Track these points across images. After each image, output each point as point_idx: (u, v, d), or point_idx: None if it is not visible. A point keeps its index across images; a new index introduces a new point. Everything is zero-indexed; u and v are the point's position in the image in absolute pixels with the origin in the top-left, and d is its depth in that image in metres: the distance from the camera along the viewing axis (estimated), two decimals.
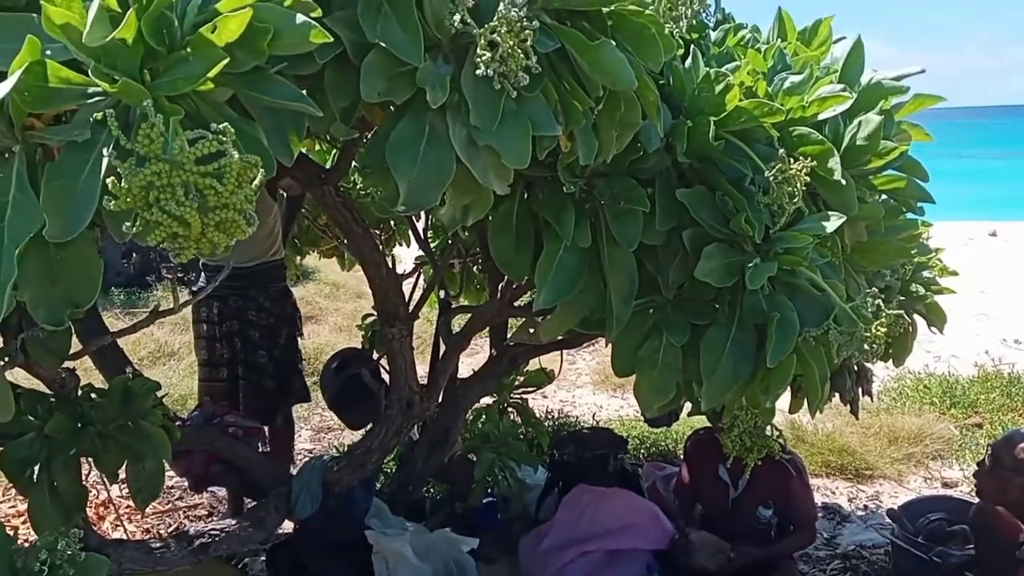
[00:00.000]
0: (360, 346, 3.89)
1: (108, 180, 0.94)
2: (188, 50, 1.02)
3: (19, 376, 1.97)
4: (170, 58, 1.02)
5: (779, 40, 2.32)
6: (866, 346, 1.83)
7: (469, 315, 3.63)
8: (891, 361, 2.97)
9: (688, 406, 2.39)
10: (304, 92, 1.20)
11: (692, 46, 1.93)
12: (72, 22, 0.94)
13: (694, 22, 1.63)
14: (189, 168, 0.93)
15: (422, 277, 3.96)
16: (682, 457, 3.50)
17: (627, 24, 1.51)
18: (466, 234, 3.53)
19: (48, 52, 0.98)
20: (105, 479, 2.02)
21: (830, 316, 1.89)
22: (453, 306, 3.77)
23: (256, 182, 0.97)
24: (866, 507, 4.40)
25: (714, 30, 2.23)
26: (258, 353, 3.68)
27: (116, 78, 0.94)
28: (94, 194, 0.98)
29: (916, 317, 3.03)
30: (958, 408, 5.53)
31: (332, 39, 1.08)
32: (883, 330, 1.86)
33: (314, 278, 8.79)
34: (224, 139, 0.95)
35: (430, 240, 3.79)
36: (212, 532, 2.46)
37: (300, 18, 1.07)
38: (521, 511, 3.70)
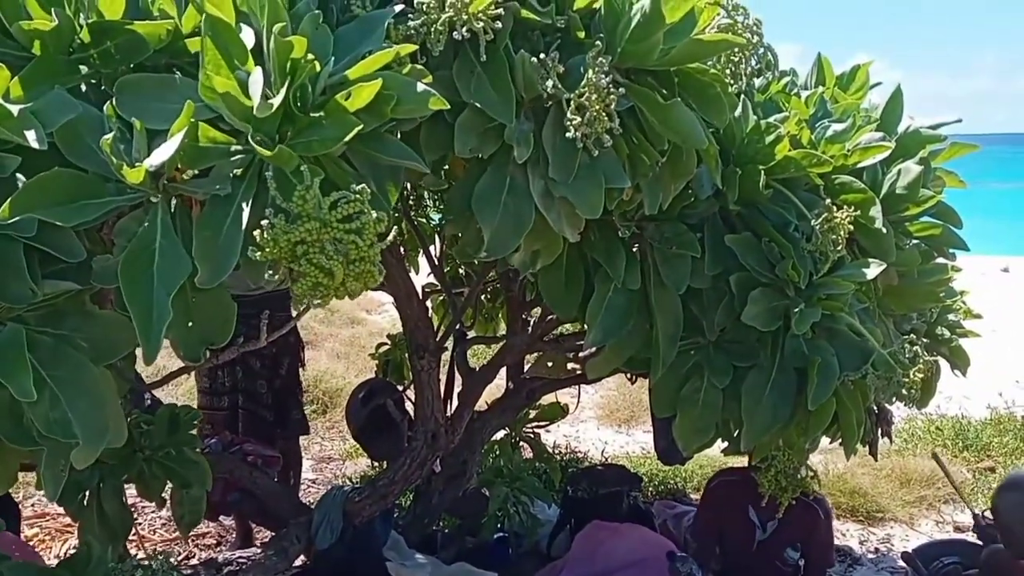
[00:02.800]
0: (375, 374, 4.02)
1: (255, 232, 1.09)
2: (321, 114, 1.18)
3: None
4: (303, 121, 1.18)
5: (818, 86, 2.50)
6: (904, 391, 2.00)
7: (482, 345, 3.76)
8: (914, 404, 3.13)
9: None
10: None
11: (741, 96, 2.11)
12: (232, 91, 1.09)
13: (754, 80, 1.80)
14: (335, 226, 1.08)
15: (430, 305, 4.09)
16: (703, 496, 3.61)
17: (693, 82, 1.68)
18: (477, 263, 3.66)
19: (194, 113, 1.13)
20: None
21: (868, 361, 2.05)
22: (468, 337, 3.90)
23: (390, 238, 1.13)
24: (877, 550, 4.55)
25: (757, 77, 2.40)
26: (258, 383, 3.78)
27: (270, 143, 1.10)
28: (236, 244, 1.13)
29: (939, 360, 3.20)
30: (970, 451, 5.69)
31: (448, 106, 1.24)
32: (920, 376, 2.03)
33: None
34: (361, 198, 1.11)
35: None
36: (240, 560, 2.59)
37: (420, 86, 1.24)
38: (533, 547, 3.83)
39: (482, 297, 4.24)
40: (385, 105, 1.21)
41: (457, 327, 3.81)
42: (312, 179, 1.08)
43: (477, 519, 3.59)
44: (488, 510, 3.50)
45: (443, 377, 3.77)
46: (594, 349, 2.17)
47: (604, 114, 1.43)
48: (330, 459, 5.26)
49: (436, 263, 3.67)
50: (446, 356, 3.71)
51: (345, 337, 8.05)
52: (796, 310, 1.98)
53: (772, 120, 2.08)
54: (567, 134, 1.44)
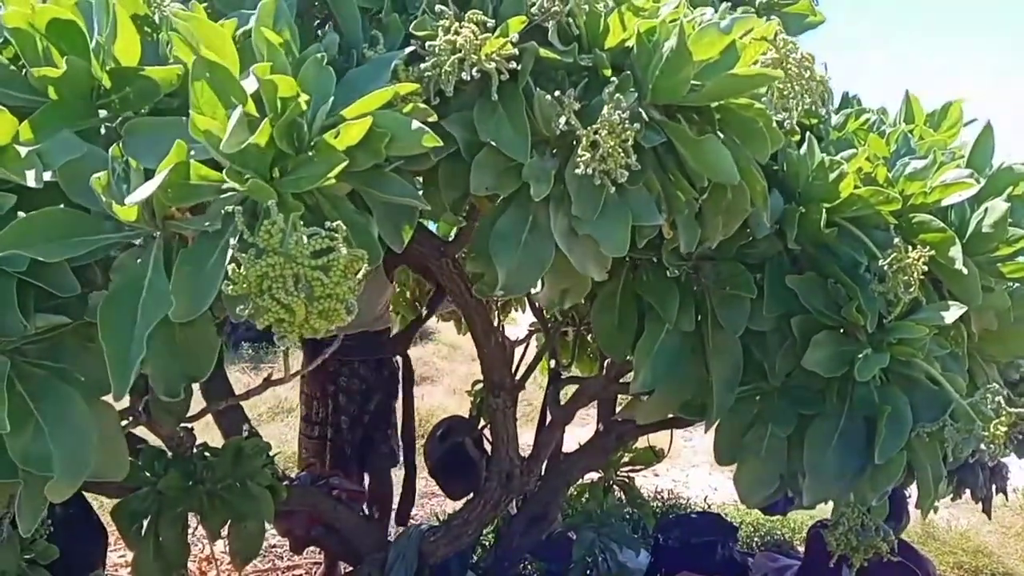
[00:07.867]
0: (469, 412, 4.02)
1: (229, 267, 1.11)
2: (312, 152, 1.19)
3: (143, 431, 2.18)
4: (297, 159, 1.21)
5: (904, 124, 2.39)
6: (983, 446, 1.85)
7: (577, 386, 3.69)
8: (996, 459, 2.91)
9: None
10: (421, 183, 1.39)
11: (808, 132, 2.03)
12: (213, 129, 1.12)
13: (812, 109, 1.72)
14: (301, 261, 1.09)
15: (533, 343, 4.08)
16: (804, 550, 3.47)
17: (735, 118, 1.63)
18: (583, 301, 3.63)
19: (192, 152, 1.17)
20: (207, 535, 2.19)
21: (946, 412, 1.91)
22: (563, 376, 3.86)
23: (360, 274, 1.12)
24: None
25: (836, 114, 2.31)
26: (342, 417, 3.89)
27: (247, 177, 1.12)
28: (217, 279, 1.14)
29: None
30: None
31: (442, 143, 1.25)
32: (1003, 429, 1.88)
33: (433, 339, 9.15)
34: (335, 235, 1.11)
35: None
36: None
37: (415, 124, 1.24)
38: None
39: (588, 336, 4.20)
40: (378, 143, 1.22)
41: (552, 366, 3.78)
42: (279, 214, 1.09)
43: (563, 564, 3.53)
44: (573, 555, 3.44)
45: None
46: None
47: (620, 150, 1.40)
48: (434, 495, 5.28)
49: (536, 304, 3.65)
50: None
51: (463, 374, 8.13)
52: (861, 355, 1.87)
53: (838, 157, 2.00)
54: (576, 170, 1.41)
